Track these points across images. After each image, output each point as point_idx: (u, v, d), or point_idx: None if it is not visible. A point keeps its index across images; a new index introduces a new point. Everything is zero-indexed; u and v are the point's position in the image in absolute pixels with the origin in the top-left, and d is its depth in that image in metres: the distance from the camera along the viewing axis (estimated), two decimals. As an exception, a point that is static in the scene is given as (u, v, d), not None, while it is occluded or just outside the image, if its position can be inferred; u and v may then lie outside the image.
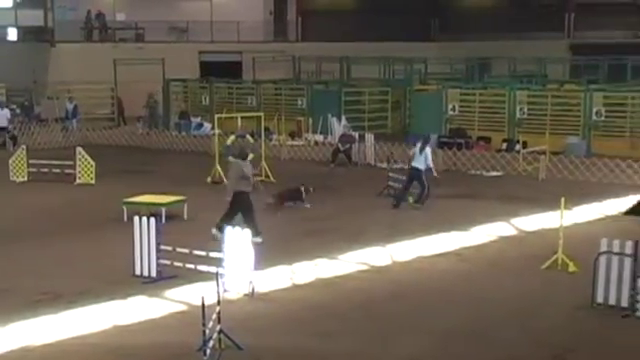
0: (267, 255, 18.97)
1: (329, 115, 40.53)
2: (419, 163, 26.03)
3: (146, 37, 54.36)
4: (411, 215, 24.49)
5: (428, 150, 26.44)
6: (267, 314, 16.70)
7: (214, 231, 21.15)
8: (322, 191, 29.06)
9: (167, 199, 25.15)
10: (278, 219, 23.93)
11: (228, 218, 21.19)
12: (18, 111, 44.25)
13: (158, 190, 26.18)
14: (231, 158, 24.22)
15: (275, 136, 38.67)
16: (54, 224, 24.21)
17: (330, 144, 37.41)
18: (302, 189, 26.65)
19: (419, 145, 26.34)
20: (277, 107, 42.97)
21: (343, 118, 39.99)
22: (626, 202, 25.83)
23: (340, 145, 36.18)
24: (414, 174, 26.21)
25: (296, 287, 18.36)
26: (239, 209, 21.46)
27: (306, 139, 40.05)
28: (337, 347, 14.83)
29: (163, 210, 23.85)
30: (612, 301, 16.66)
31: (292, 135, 40.19)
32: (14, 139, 37.51)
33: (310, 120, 41.95)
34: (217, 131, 32.07)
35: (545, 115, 38.34)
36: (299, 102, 43.69)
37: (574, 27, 55.78)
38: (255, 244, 18.29)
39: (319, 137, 39.98)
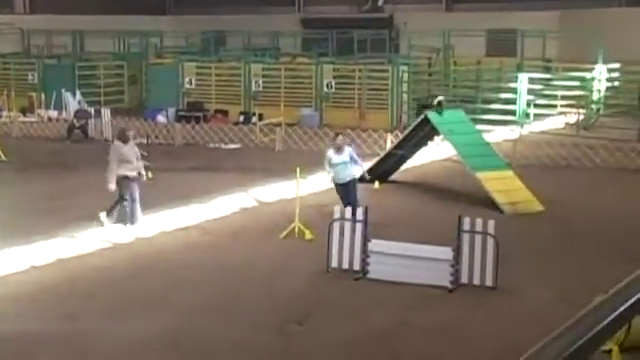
0: (4, 236, 18.49)
1: (63, 90, 39.78)
2: None
3: None
4: (148, 190, 24.33)
5: None
6: (4, 298, 16.25)
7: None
8: (58, 168, 28.55)
9: None
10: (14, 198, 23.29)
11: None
12: None
13: None
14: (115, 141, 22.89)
15: (5, 113, 37.69)
16: None
17: (65, 120, 36.71)
18: None
19: None
20: (6, 82, 41.83)
21: (78, 93, 39.34)
22: (357, 170, 26.39)
23: (75, 121, 35.52)
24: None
25: (35, 268, 17.94)
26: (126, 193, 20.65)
27: (39, 115, 39.17)
28: (84, 327, 14.61)
29: None
30: (345, 265, 17.06)
31: (24, 111, 39.26)
32: None
33: (43, 96, 40.97)
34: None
35: (279, 88, 38.83)
36: (30, 77, 42.66)
37: (304, 2, 56.56)
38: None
39: (53, 113, 39.17)
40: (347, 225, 17.18)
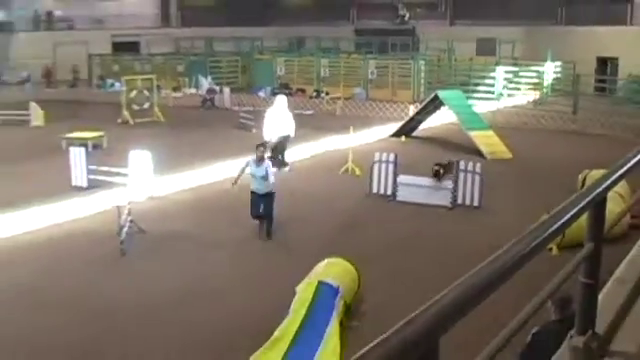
0: (163, 168, 18.72)
1: (199, 75, 39.86)
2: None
3: (76, 26, 52.26)
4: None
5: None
6: (162, 209, 16.52)
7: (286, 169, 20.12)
8: (196, 126, 28.76)
9: (92, 134, 24.49)
10: (171, 144, 23.48)
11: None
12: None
13: (86, 128, 25.46)
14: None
15: (163, 90, 37.84)
16: (15, 153, 23.33)
17: (200, 95, 36.79)
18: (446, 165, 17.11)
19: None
20: (164, 71, 41.98)
21: (209, 77, 39.37)
22: (390, 129, 26.31)
23: (207, 95, 35.72)
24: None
25: (182, 191, 18.20)
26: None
27: (184, 92, 39.35)
28: (207, 228, 14.81)
29: (89, 142, 23.26)
30: (382, 192, 17.09)
31: (174, 89, 39.37)
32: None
33: (186, 79, 41.19)
34: (124, 88, 31.24)
35: (339, 74, 38.53)
36: (179, 67, 42.76)
37: (357, 17, 56.25)
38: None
39: (192, 90, 39.30)
40: (383, 165, 17.17)
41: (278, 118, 20.26)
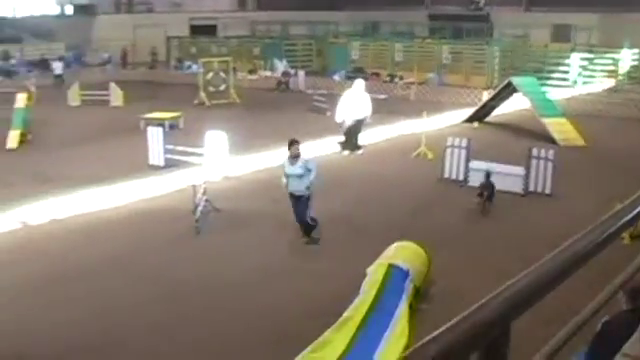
0: (238, 149, 18.95)
1: (274, 58, 40.11)
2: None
3: (155, 9, 53.07)
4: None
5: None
6: (237, 188, 16.76)
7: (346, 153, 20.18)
8: (271, 108, 28.98)
9: (169, 115, 24.94)
10: (246, 124, 23.74)
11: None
12: (71, 59, 43.37)
13: (163, 109, 25.94)
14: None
15: (240, 73, 38.16)
16: (96, 132, 23.93)
17: (275, 77, 37.05)
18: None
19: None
20: (240, 53, 42.30)
21: (284, 60, 39.59)
22: (463, 114, 26.04)
23: (282, 78, 35.95)
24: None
25: (257, 171, 18.41)
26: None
27: (259, 74, 39.61)
28: (282, 208, 14.97)
29: (167, 122, 23.66)
30: (454, 177, 16.98)
31: (250, 72, 39.68)
32: (62, 81, 36.49)
33: (262, 62, 41.44)
34: (201, 70, 31.66)
35: (413, 59, 38.23)
36: (254, 50, 43.04)
37: (431, 3, 55.77)
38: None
39: (268, 73, 39.54)
40: (455, 150, 17.05)
41: (354, 101, 20.28)
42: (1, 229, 13.86)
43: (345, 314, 9.00)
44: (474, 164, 16.65)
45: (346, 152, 20.19)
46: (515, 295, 2.02)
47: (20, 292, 10.76)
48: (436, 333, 1.80)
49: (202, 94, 30.52)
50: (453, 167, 17.04)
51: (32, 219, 14.42)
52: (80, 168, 18.61)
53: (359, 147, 20.30)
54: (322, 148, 20.49)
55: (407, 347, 8.44)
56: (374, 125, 22.26)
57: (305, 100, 30.11)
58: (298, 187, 12.35)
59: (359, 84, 20.83)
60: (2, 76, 38.44)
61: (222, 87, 31.36)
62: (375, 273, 9.76)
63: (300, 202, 12.49)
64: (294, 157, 12.41)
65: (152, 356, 8.90)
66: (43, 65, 40.92)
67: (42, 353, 8.87)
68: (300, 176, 12.25)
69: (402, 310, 9.11)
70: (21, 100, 23.60)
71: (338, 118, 20.09)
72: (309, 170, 12.34)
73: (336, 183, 16.72)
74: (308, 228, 12.71)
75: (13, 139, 21.79)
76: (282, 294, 10.60)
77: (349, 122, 20.07)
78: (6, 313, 10.03)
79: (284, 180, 12.61)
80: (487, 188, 14.99)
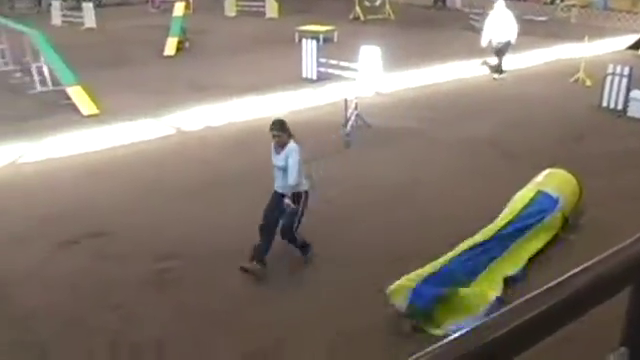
0: (391, 65, 18.90)
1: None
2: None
3: None
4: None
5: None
6: (387, 105, 16.79)
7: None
8: (426, 26, 28.55)
9: (324, 28, 25.07)
10: (399, 42, 23.50)
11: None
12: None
13: (318, 22, 26.07)
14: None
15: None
16: (251, 42, 24.42)
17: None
18: None
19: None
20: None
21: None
22: (627, 40, 24.72)
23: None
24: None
25: (408, 89, 18.34)
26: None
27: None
28: (430, 127, 14.92)
29: (321, 35, 23.80)
30: (612, 106, 16.30)
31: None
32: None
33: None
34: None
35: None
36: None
37: None
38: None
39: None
40: (616, 78, 16.30)
41: (498, 23, 19.64)
42: (157, 134, 14.58)
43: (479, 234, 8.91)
44: (635, 94, 15.89)
45: (495, 75, 19.72)
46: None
47: (177, 195, 11.36)
48: (586, 265, 1.83)
49: (357, 9, 30.38)
50: (612, 96, 16.32)
51: (187, 126, 15.07)
52: (234, 77, 19.15)
53: (502, 71, 19.76)
54: (471, 69, 20.10)
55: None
56: (531, 48, 21.56)
57: (461, 18, 29.44)
58: (281, 183, 8.84)
59: (500, 5, 20.07)
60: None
61: (377, 2, 31.11)
62: (522, 198, 9.65)
63: (277, 202, 8.79)
64: (278, 145, 8.84)
65: (329, 247, 9.22)
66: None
67: (196, 253, 9.40)
68: (283, 169, 8.77)
69: (531, 235, 9.02)
70: (179, 9, 24.36)
71: (483, 41, 19.57)
72: (289, 166, 8.67)
73: (485, 107, 16.44)
74: (298, 244, 9.08)
75: (171, 46, 22.60)
76: (428, 208, 10.66)
77: (494, 44, 19.53)
78: (164, 214, 10.65)
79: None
80: None
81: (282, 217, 8.73)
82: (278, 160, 8.83)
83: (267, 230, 8.81)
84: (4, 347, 7.42)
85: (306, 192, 8.84)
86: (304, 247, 9.13)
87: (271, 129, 8.87)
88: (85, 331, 7.68)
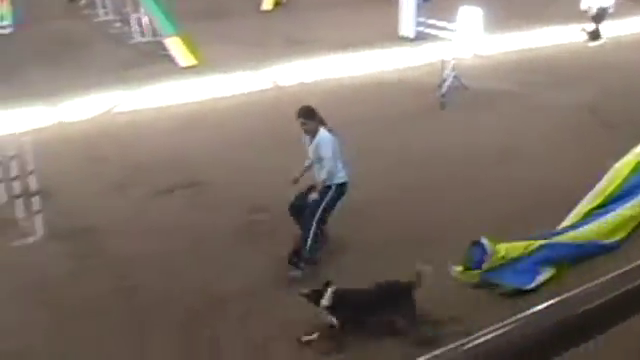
0: (492, 27, 18.42)
1: None
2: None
3: None
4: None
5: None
6: (487, 67, 16.42)
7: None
8: None
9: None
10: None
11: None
12: None
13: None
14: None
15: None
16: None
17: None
18: None
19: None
20: None
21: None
22: None
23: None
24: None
25: (508, 52, 17.88)
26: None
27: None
28: (527, 92, 14.50)
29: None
30: None
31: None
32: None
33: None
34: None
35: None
36: None
37: None
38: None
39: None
40: None
41: None
42: (254, 88, 14.67)
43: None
44: None
45: (592, 42, 18.98)
46: None
47: (271, 149, 11.37)
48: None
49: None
50: None
51: (282, 80, 15.10)
52: (330, 33, 19.00)
53: (600, 37, 19.00)
54: (571, 34, 19.41)
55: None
56: (632, 14, 20.66)
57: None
58: (316, 174, 8.13)
59: None
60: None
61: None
62: (621, 169, 9.34)
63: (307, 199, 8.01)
64: (309, 135, 8.17)
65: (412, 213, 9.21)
66: None
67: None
68: (318, 160, 8.04)
69: (630, 208, 8.80)
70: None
71: (583, 5, 18.87)
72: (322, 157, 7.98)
73: (584, 74, 15.87)
74: (307, 245, 7.99)
75: (268, 1, 22.56)
76: (521, 174, 10.44)
77: (594, 10, 18.80)
78: (256, 167, 10.74)
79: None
80: None
81: (308, 209, 7.96)
82: (310, 151, 8.09)
83: (295, 214, 8.17)
84: (105, 293, 7.67)
85: (340, 185, 8.01)
86: (306, 260, 7.98)
87: (298, 117, 8.09)
88: (178, 280, 7.85)
